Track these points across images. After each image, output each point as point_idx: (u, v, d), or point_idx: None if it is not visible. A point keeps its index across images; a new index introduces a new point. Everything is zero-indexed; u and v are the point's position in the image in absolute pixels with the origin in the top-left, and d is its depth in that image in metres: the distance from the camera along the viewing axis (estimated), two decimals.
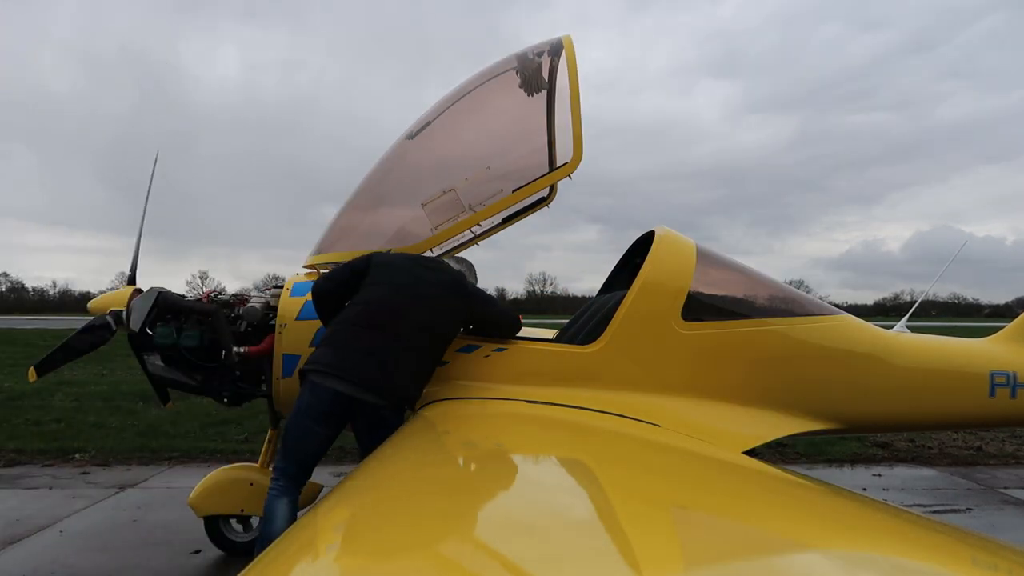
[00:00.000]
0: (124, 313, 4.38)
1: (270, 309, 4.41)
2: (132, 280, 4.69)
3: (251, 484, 5.05)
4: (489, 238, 4.88)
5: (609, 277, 5.23)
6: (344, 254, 4.49)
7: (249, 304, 4.48)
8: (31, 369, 4.43)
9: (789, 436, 4.49)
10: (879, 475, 7.92)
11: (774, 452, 8.31)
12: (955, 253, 7.91)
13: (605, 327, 4.23)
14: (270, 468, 5.25)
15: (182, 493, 5.69)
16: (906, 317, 7.60)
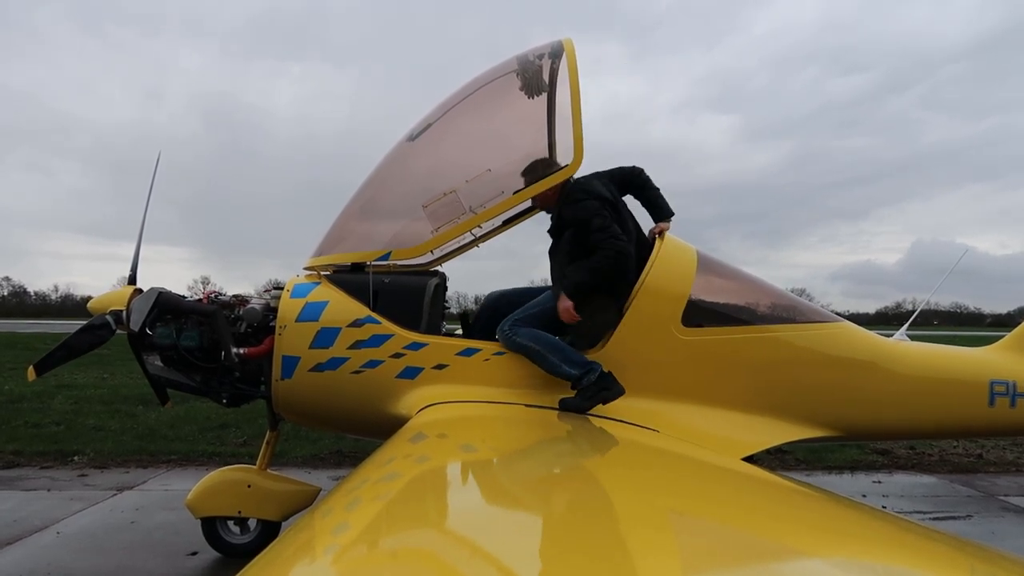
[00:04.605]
0: (124, 313, 4.37)
1: (270, 311, 4.40)
2: (132, 280, 4.69)
3: (249, 486, 5.04)
4: (490, 240, 4.88)
5: None
6: (346, 256, 4.49)
7: (249, 305, 4.48)
8: (30, 368, 4.42)
9: (788, 443, 4.48)
10: (879, 482, 7.90)
11: (773, 458, 8.29)
12: (955, 262, 7.90)
13: (604, 331, 4.22)
14: (268, 471, 5.25)
15: (180, 496, 5.68)
16: (906, 325, 7.58)
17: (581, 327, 4.19)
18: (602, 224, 4.11)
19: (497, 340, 4.24)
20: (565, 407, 3.91)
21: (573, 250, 4.23)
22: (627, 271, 4.14)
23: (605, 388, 3.89)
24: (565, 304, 4.08)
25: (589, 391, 3.89)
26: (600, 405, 3.90)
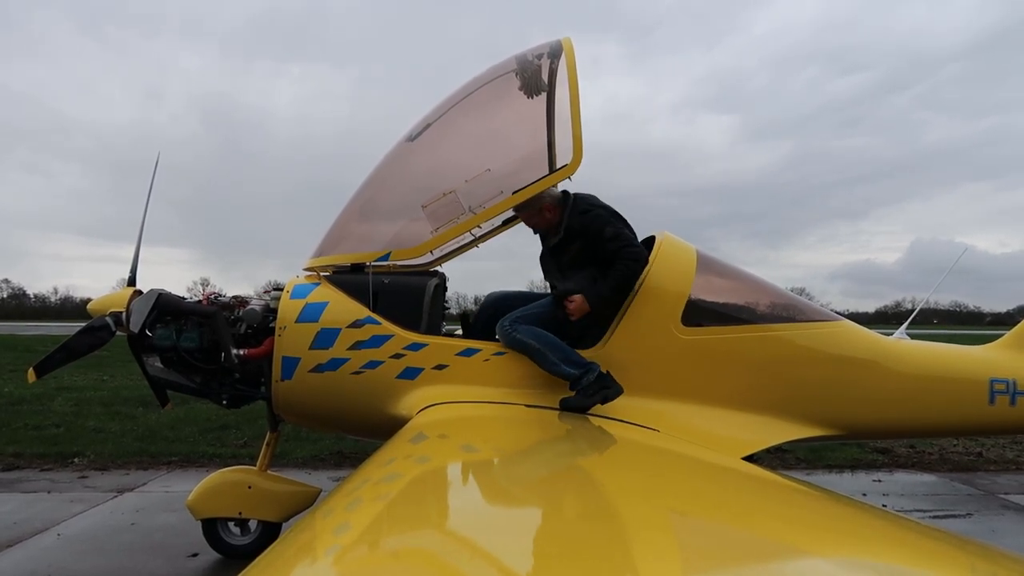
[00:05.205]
0: (124, 314, 4.37)
1: (270, 312, 4.40)
2: (132, 282, 4.69)
3: (249, 487, 5.04)
4: (489, 240, 4.88)
5: None
6: (345, 256, 4.49)
7: (249, 307, 4.48)
8: (30, 370, 4.42)
9: (788, 442, 4.49)
10: (879, 480, 7.90)
11: (774, 458, 8.29)
12: (954, 261, 7.92)
13: (605, 331, 4.22)
14: (268, 472, 5.25)
15: (180, 497, 5.68)
16: (906, 324, 7.59)
17: (581, 326, 4.20)
18: (615, 232, 4.20)
19: (497, 340, 4.25)
20: (566, 406, 3.91)
21: (583, 259, 4.28)
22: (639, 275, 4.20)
23: (605, 387, 3.91)
24: (583, 306, 4.13)
25: (589, 390, 3.90)
26: (599, 404, 3.91)
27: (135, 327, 4.28)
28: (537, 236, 4.61)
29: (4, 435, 9.30)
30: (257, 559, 1.69)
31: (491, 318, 4.43)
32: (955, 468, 8.49)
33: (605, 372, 3.96)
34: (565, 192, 4.46)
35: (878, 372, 4.57)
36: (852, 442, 8.56)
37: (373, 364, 4.14)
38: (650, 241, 4.62)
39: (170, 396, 4.77)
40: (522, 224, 4.76)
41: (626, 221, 4.39)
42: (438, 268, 4.73)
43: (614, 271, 4.14)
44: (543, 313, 4.24)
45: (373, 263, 4.34)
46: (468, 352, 4.18)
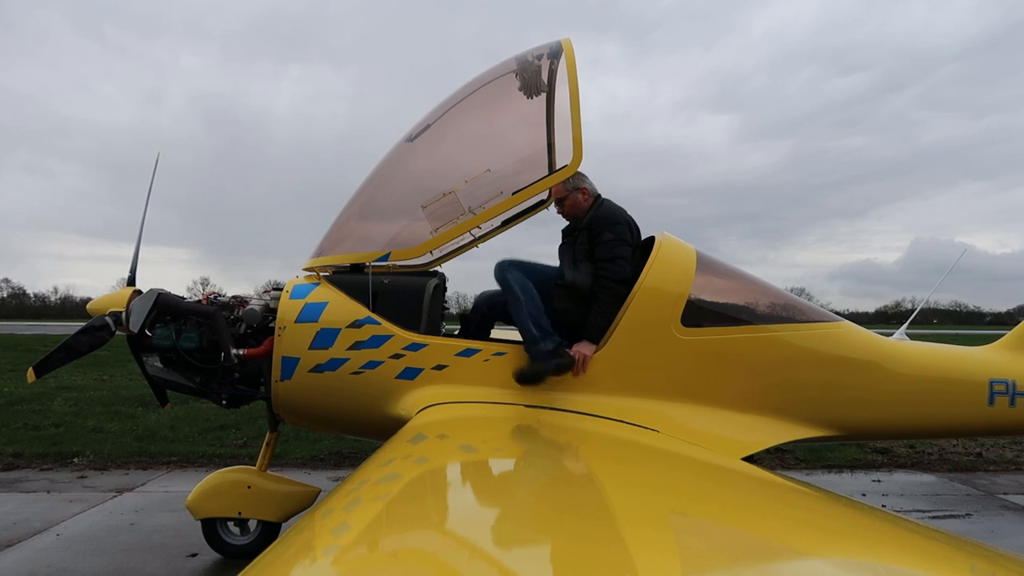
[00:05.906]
0: (123, 314, 4.37)
1: (270, 311, 4.40)
2: (132, 281, 4.69)
3: (249, 487, 5.04)
4: (489, 241, 4.88)
5: None
6: (345, 256, 4.49)
7: (249, 306, 4.48)
8: (30, 370, 4.42)
9: (788, 442, 4.49)
10: (878, 481, 7.90)
11: (773, 458, 8.30)
12: (955, 262, 7.94)
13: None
14: (268, 472, 5.25)
15: (180, 497, 5.68)
16: (906, 324, 7.61)
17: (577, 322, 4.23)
18: (611, 240, 4.26)
19: (495, 340, 4.25)
20: (521, 378, 4.01)
21: (585, 251, 4.34)
22: (625, 295, 4.23)
23: (557, 356, 4.00)
24: (589, 351, 4.13)
25: (542, 356, 3.99)
26: (552, 375, 4.00)
27: (134, 327, 4.28)
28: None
29: (3, 435, 9.31)
30: (256, 559, 1.69)
31: (483, 318, 4.45)
32: (954, 468, 8.49)
33: (562, 341, 4.06)
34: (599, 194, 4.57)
35: (878, 373, 4.57)
36: (852, 442, 8.56)
37: (372, 364, 4.14)
38: (649, 242, 4.62)
39: (170, 396, 4.77)
40: (522, 224, 4.76)
41: (631, 241, 4.40)
42: (438, 268, 4.73)
43: (599, 302, 4.19)
44: (543, 279, 4.32)
45: (373, 263, 4.33)
46: (468, 352, 4.18)
